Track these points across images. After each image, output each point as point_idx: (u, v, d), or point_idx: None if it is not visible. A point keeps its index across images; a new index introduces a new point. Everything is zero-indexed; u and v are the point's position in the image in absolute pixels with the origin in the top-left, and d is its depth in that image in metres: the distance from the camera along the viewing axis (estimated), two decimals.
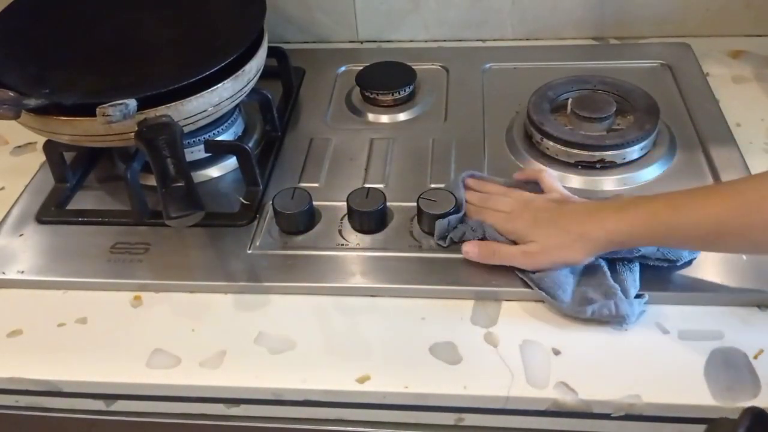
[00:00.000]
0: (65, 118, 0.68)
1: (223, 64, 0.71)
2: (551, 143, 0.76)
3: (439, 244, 0.68)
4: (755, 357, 0.58)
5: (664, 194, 0.60)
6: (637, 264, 0.63)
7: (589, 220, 0.62)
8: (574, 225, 0.62)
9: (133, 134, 0.66)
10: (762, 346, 0.59)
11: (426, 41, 1.03)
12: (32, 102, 0.68)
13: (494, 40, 1.02)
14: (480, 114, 0.86)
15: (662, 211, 0.58)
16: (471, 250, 0.65)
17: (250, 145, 0.80)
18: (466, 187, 0.72)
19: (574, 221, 0.63)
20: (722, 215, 0.55)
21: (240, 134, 0.82)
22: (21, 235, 0.74)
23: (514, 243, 0.65)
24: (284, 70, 0.90)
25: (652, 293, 0.62)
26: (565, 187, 0.74)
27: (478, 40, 1.02)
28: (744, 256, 0.65)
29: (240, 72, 0.73)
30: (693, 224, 0.57)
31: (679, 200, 0.58)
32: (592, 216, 0.62)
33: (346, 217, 0.71)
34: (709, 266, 0.64)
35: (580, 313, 0.61)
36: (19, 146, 0.88)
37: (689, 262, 0.64)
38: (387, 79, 0.89)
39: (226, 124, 0.80)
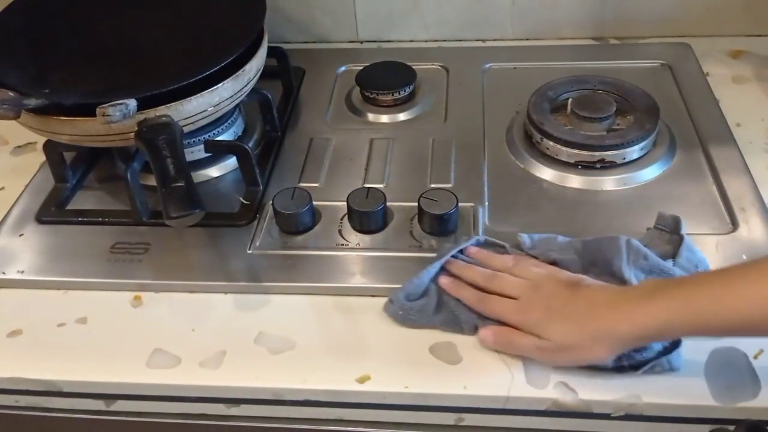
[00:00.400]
0: (65, 118, 0.68)
1: (223, 64, 0.71)
2: (551, 143, 0.76)
3: (408, 316, 0.62)
4: (755, 357, 0.58)
5: (696, 278, 0.55)
6: None
7: (610, 313, 0.54)
8: (594, 320, 0.54)
9: (133, 134, 0.67)
10: (762, 346, 0.59)
11: (426, 41, 1.03)
12: (32, 102, 0.68)
13: (494, 40, 1.02)
14: (480, 114, 0.86)
15: (698, 299, 0.51)
16: (486, 337, 0.59)
17: (250, 145, 0.80)
18: (468, 255, 0.65)
19: (593, 315, 0.55)
20: None
21: (240, 134, 0.82)
22: (21, 235, 0.74)
23: None
24: (284, 70, 0.90)
25: None
26: (564, 187, 0.75)
27: (478, 40, 1.02)
28: (744, 255, 0.65)
29: (240, 72, 0.73)
30: (735, 311, 0.49)
31: (715, 284, 0.51)
32: (615, 307, 0.54)
33: (346, 217, 0.71)
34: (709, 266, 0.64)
35: (631, 374, 0.57)
36: (19, 146, 0.88)
37: None
38: (387, 79, 0.89)
39: (226, 124, 0.80)
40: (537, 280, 0.60)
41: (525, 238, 0.66)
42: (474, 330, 0.61)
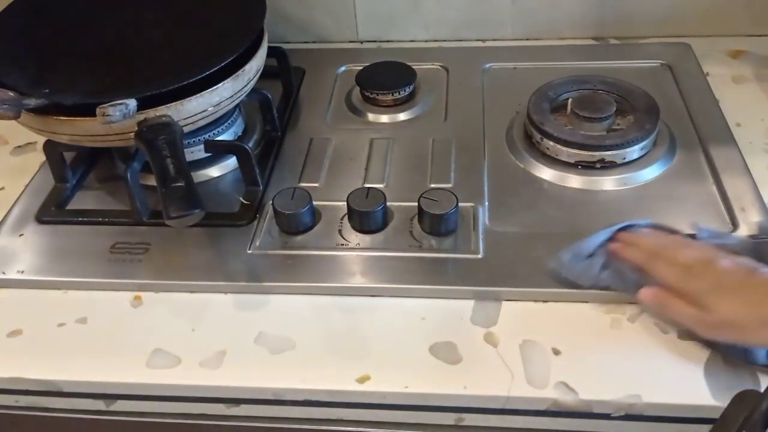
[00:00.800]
0: (65, 118, 0.68)
1: (223, 64, 0.71)
2: (551, 143, 0.76)
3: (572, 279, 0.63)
4: None
5: None
6: None
7: None
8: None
9: (133, 134, 0.67)
10: None
11: (426, 41, 1.03)
12: (32, 102, 0.68)
13: (494, 40, 1.02)
14: (480, 114, 0.86)
15: None
16: (646, 295, 0.59)
17: (250, 145, 0.80)
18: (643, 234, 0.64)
19: None
20: None
21: (240, 134, 0.82)
22: (21, 235, 0.74)
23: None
24: (284, 70, 0.90)
25: None
26: (564, 187, 0.75)
27: (478, 40, 1.02)
28: None
29: (240, 72, 0.73)
30: None
31: None
32: None
33: (346, 217, 0.71)
34: None
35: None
36: (19, 146, 0.88)
37: None
38: (387, 79, 0.89)
39: (226, 124, 0.80)
40: (712, 256, 0.58)
41: (702, 229, 0.64)
42: (637, 291, 0.60)
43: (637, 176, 0.74)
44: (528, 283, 0.64)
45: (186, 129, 0.70)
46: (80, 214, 0.75)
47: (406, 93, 0.88)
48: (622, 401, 0.56)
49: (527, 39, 1.01)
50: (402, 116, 0.87)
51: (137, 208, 0.72)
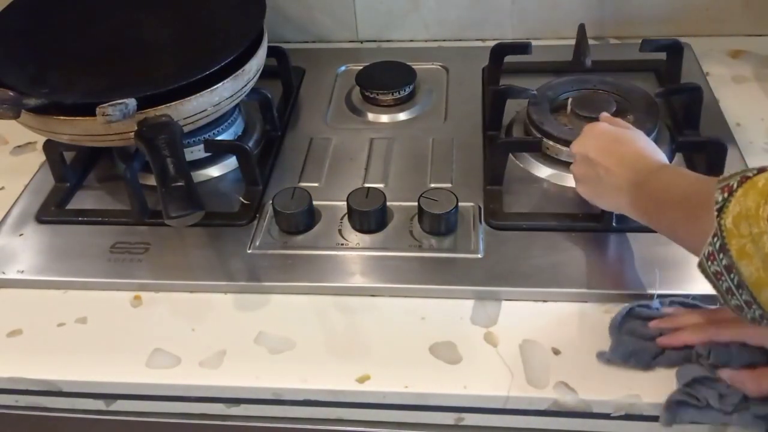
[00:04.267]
0: (65, 117, 0.68)
1: (223, 64, 0.71)
2: (551, 143, 0.76)
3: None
4: None
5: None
6: None
7: None
8: None
9: (133, 134, 0.67)
10: None
11: (426, 41, 1.03)
12: (32, 102, 0.68)
13: (494, 40, 1.01)
14: (480, 114, 0.86)
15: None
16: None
17: (250, 144, 0.80)
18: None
19: None
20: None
21: (240, 134, 0.82)
22: (21, 234, 0.74)
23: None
24: (284, 70, 0.90)
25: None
26: (564, 187, 0.74)
27: (478, 40, 1.02)
28: None
29: (240, 72, 0.73)
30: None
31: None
32: None
33: (346, 216, 0.71)
34: None
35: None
36: (19, 146, 0.88)
37: None
38: (387, 78, 0.89)
39: (226, 124, 0.80)
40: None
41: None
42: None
43: None
44: (528, 283, 0.64)
45: (186, 129, 0.70)
46: (80, 213, 0.75)
47: (406, 93, 0.88)
48: (622, 401, 0.56)
49: (527, 39, 1.01)
50: (402, 116, 0.87)
51: (137, 208, 0.72)
